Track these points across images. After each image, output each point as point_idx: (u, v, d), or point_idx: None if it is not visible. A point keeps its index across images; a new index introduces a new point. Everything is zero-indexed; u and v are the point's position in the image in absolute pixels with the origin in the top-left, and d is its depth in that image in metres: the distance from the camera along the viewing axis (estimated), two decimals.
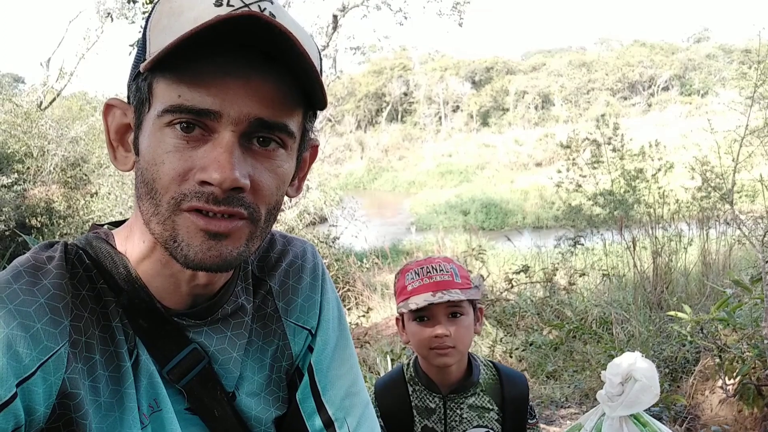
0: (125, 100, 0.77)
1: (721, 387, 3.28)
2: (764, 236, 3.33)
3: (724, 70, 41.71)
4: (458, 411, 1.56)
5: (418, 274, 1.54)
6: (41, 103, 14.88)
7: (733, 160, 4.09)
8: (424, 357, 1.57)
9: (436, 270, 1.54)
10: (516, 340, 5.06)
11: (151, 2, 8.10)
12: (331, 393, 0.91)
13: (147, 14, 0.73)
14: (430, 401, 1.58)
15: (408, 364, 1.66)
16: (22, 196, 11.85)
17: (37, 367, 0.66)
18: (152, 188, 0.69)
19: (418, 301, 1.50)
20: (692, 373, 3.71)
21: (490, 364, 1.64)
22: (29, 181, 12.32)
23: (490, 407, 1.56)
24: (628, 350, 1.84)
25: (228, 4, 0.67)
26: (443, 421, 1.56)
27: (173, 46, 0.63)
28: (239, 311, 0.85)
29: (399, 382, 1.62)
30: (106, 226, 0.84)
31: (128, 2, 8.99)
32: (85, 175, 12.83)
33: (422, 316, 1.53)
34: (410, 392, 1.60)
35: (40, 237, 10.21)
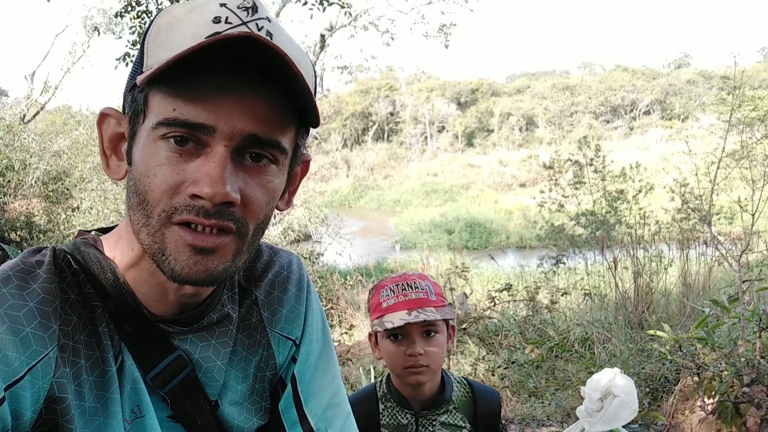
0: (120, 109, 0.78)
1: (701, 406, 3.31)
2: (740, 256, 3.39)
3: (703, 95, 42.59)
4: (430, 428, 1.55)
5: (393, 291, 1.52)
6: (24, 116, 14.77)
7: (710, 182, 4.17)
8: (398, 375, 1.56)
9: (411, 287, 1.52)
10: (498, 359, 5.07)
11: (138, 17, 8.13)
12: (314, 403, 0.91)
13: (146, 26, 0.75)
14: (402, 417, 1.57)
15: (381, 381, 1.64)
16: (2, 209, 11.69)
17: (26, 371, 0.66)
18: (144, 199, 0.69)
19: (393, 320, 1.48)
20: (672, 393, 3.75)
21: (464, 381, 1.63)
22: (10, 195, 12.16)
23: (463, 425, 1.55)
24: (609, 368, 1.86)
25: (226, 21, 0.68)
26: None
27: (169, 64, 0.64)
28: (224, 320, 0.85)
29: (371, 399, 1.61)
30: (93, 233, 0.84)
31: (115, 17, 9.00)
32: (67, 189, 12.69)
33: (396, 334, 1.51)
34: (381, 410, 1.59)
35: (20, 251, 10.03)
